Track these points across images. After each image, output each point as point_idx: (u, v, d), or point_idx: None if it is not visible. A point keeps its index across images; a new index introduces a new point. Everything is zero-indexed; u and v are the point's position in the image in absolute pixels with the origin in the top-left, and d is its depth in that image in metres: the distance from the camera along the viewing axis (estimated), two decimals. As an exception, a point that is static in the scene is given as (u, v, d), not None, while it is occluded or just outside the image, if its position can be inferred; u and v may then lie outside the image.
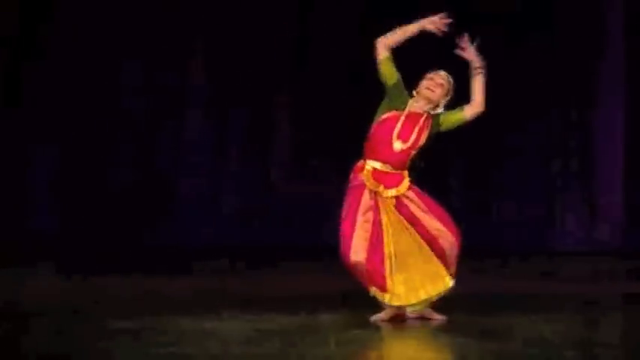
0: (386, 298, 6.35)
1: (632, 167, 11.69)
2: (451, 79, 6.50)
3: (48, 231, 11.53)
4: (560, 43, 11.79)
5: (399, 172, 6.44)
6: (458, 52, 6.45)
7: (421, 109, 6.46)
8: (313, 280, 8.76)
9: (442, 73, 6.50)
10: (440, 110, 6.47)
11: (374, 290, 6.37)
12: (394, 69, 6.45)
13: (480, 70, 6.46)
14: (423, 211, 6.41)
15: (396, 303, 6.35)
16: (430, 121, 6.47)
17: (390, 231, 6.36)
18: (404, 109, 6.42)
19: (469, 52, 6.46)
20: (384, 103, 6.49)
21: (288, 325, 6.44)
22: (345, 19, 10.58)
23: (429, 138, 6.46)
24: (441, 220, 6.45)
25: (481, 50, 6.49)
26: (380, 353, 5.73)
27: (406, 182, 6.44)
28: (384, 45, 6.41)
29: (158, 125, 11.81)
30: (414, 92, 6.46)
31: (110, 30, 11.54)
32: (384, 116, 6.44)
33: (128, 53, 11.65)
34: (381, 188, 6.38)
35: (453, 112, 6.51)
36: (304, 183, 11.59)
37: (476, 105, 6.49)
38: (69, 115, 11.67)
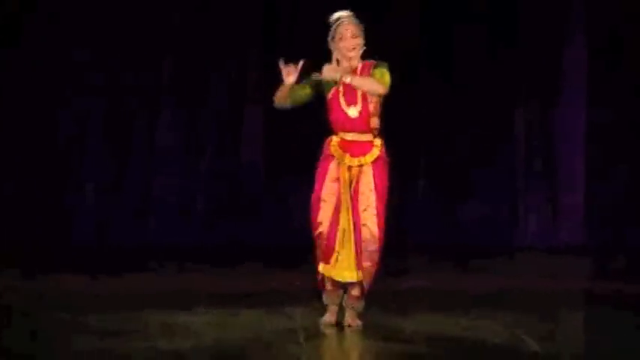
0: (325, 270, 6.31)
1: (593, 168, 11.87)
2: (354, 17, 6.34)
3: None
4: (523, 44, 11.90)
5: (368, 139, 6.35)
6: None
7: (350, 67, 6.33)
8: (283, 278, 8.82)
9: (344, 21, 6.31)
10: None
11: (321, 267, 6.33)
12: (300, 89, 6.38)
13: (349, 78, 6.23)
14: (368, 192, 6.30)
15: (330, 273, 6.29)
16: (369, 68, 6.33)
17: (346, 205, 6.28)
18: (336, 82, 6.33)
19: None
20: (322, 91, 6.41)
21: (258, 319, 6.61)
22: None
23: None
24: (377, 209, 6.32)
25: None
26: (345, 346, 5.93)
27: (373, 152, 6.36)
28: (280, 101, 6.40)
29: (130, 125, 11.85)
30: (334, 54, 6.32)
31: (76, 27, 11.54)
32: (329, 96, 6.37)
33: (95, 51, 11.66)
34: (346, 157, 6.34)
35: (379, 72, 6.29)
36: (275, 181, 11.70)
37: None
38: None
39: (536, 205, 11.96)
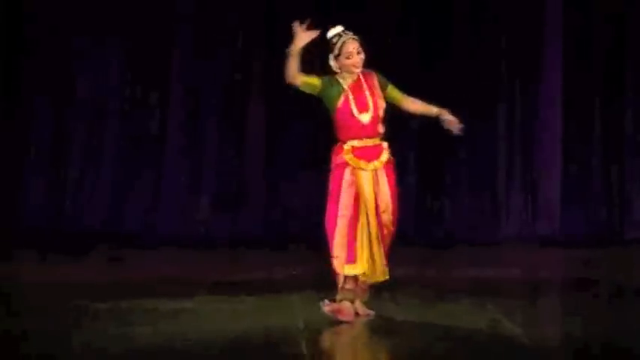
0: (353, 270, 6.45)
1: (569, 166, 12.06)
2: (350, 33, 6.52)
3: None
4: (505, 43, 12.08)
5: (377, 143, 6.53)
6: (444, 121, 6.63)
7: (356, 76, 6.53)
8: (283, 267, 8.99)
9: (347, 38, 6.50)
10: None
11: (347, 268, 6.46)
12: (312, 79, 6.52)
13: (440, 119, 6.64)
14: (385, 194, 6.50)
15: (359, 272, 6.46)
16: (373, 80, 6.58)
17: (365, 209, 6.43)
18: (344, 89, 6.51)
19: (451, 123, 6.66)
20: (324, 97, 6.55)
21: (259, 305, 6.94)
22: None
23: (385, 92, 6.58)
24: (393, 211, 6.55)
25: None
26: (346, 332, 6.22)
27: (385, 154, 6.55)
28: (293, 76, 6.46)
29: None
30: (336, 68, 6.51)
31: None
32: (339, 105, 6.49)
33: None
34: (362, 163, 6.46)
35: (397, 90, 6.62)
36: (276, 175, 11.80)
37: (415, 107, 6.66)
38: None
39: (516, 200, 12.25)
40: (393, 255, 10.27)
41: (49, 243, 10.64)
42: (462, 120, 6.74)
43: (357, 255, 6.46)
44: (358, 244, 6.46)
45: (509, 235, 11.95)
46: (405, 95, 6.67)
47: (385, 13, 11.93)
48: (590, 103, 12.18)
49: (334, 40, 6.52)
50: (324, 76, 6.56)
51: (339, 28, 6.53)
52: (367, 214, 6.45)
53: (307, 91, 6.54)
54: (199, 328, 6.26)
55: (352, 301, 6.56)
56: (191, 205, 11.80)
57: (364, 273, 6.51)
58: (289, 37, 6.46)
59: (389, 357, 5.71)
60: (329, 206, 6.47)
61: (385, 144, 6.57)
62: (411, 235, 11.52)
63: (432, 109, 6.69)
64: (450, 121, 6.66)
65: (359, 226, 6.46)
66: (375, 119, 6.52)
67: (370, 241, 6.48)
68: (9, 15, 11.64)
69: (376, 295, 6.98)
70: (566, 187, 12.09)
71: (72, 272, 8.92)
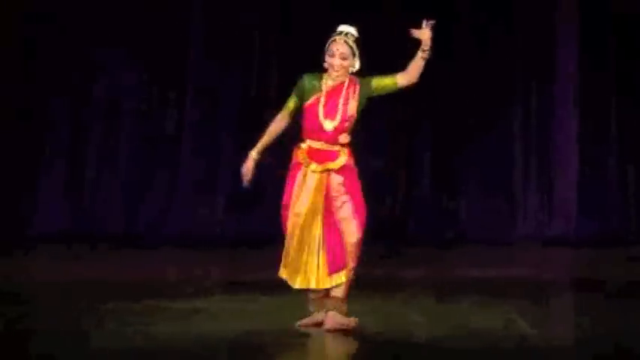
0: (282, 272, 6.22)
1: (585, 166, 12.18)
2: (350, 36, 6.30)
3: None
4: (521, 46, 12.22)
5: (335, 149, 6.28)
6: (413, 30, 6.25)
7: (339, 80, 6.32)
8: None
9: (339, 38, 6.30)
10: (357, 67, 6.31)
11: (285, 273, 6.23)
12: (295, 105, 6.32)
13: (426, 53, 6.25)
14: (340, 195, 6.24)
15: (283, 275, 6.22)
16: (356, 86, 6.33)
17: (314, 211, 6.19)
18: (320, 90, 6.30)
19: (424, 33, 6.24)
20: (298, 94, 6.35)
21: (271, 304, 7.01)
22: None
23: (360, 104, 6.31)
24: (355, 211, 6.24)
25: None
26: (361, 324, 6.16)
27: (340, 160, 6.29)
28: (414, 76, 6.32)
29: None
30: (326, 66, 6.29)
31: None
32: (308, 103, 6.31)
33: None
34: (313, 165, 6.26)
35: (385, 77, 6.33)
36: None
37: (410, 76, 6.32)
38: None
39: (532, 200, 12.30)
40: (408, 252, 10.43)
41: (64, 242, 10.72)
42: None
43: (284, 260, 6.25)
44: (308, 252, 6.19)
45: (525, 235, 12.03)
46: (395, 75, 6.34)
47: (403, 15, 11.95)
48: (605, 103, 12.22)
49: (330, 37, 6.34)
50: (311, 74, 6.36)
51: (345, 28, 6.35)
52: (305, 220, 6.19)
53: (299, 109, 6.35)
54: (213, 327, 6.32)
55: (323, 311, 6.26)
56: (206, 205, 11.89)
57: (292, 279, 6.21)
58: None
59: (401, 353, 5.76)
60: (282, 208, 6.28)
61: (346, 150, 6.29)
62: (426, 235, 11.59)
63: (417, 55, 6.33)
64: (420, 32, 6.29)
65: (311, 232, 6.20)
66: (338, 129, 6.26)
67: (301, 247, 6.18)
68: (26, 17, 11.80)
69: (389, 295, 7.02)
70: (582, 187, 12.11)
71: (87, 271, 9.02)
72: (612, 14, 12.14)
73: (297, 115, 6.37)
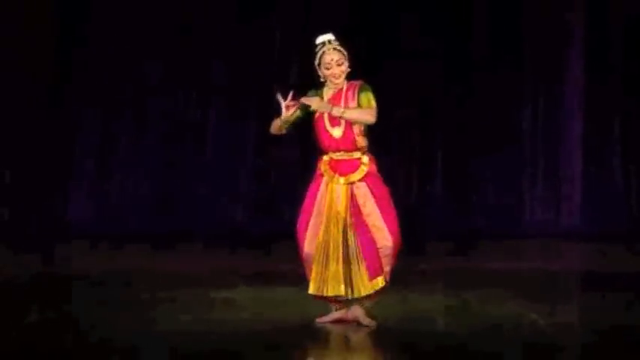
0: (310, 288, 6.25)
1: (590, 163, 12.42)
2: (334, 42, 6.30)
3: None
4: (528, 46, 12.52)
5: (355, 157, 6.28)
6: (303, 99, 6.24)
7: (336, 88, 6.33)
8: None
9: (327, 49, 6.29)
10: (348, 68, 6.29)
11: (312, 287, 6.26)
12: (295, 116, 6.31)
13: (339, 111, 6.20)
14: (368, 204, 6.24)
15: (311, 291, 6.25)
16: (354, 89, 6.30)
17: (334, 222, 6.20)
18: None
19: (312, 101, 6.24)
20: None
21: (295, 295, 7.19)
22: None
23: (360, 105, 6.27)
24: (384, 216, 6.25)
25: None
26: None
27: (361, 170, 6.28)
28: (277, 131, 6.41)
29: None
30: (322, 78, 6.32)
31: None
32: (315, 118, 6.33)
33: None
34: (335, 177, 6.26)
35: (362, 99, 6.26)
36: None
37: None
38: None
39: (539, 197, 12.56)
40: (424, 246, 10.65)
41: (93, 242, 11.10)
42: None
43: (311, 271, 6.28)
44: (315, 260, 6.24)
45: (533, 230, 12.26)
46: (362, 107, 6.28)
47: (412, 16, 12.20)
48: (610, 104, 12.46)
49: (316, 49, 6.35)
50: (313, 89, 6.40)
51: (325, 37, 6.35)
52: (332, 231, 6.21)
53: (296, 122, 6.39)
54: (239, 315, 6.69)
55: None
56: (232, 203, 12.20)
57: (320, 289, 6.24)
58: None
59: (417, 343, 6.02)
60: (300, 218, 6.33)
61: (366, 158, 6.30)
62: (439, 230, 11.84)
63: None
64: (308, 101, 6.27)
65: (330, 242, 6.22)
66: (347, 134, 6.26)
67: (328, 259, 6.19)
68: (58, 24, 12.23)
69: (405, 285, 7.26)
70: (587, 185, 12.41)
71: (116, 266, 9.39)
72: (619, 16, 12.36)
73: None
